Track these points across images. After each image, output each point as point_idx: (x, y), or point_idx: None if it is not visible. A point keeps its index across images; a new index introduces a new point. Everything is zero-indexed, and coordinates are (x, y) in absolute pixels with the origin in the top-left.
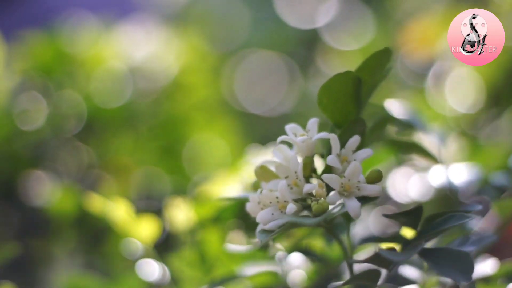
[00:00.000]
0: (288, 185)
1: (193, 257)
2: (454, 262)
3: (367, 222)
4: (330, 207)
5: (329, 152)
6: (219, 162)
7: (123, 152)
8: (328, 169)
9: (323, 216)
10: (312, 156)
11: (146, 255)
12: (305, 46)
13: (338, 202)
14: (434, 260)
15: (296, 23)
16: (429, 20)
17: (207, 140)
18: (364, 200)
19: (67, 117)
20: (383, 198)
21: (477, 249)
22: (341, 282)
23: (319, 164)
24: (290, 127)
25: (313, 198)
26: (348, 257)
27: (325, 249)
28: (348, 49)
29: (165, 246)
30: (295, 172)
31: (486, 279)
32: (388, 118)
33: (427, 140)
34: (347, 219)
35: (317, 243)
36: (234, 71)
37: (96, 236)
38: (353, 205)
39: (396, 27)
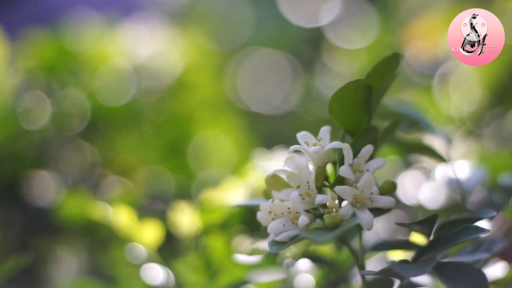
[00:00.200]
0: (300, 195)
1: (198, 262)
2: (468, 280)
3: (377, 227)
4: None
5: (342, 161)
6: (223, 160)
7: (127, 150)
8: (340, 179)
9: (336, 232)
10: (325, 165)
11: (150, 259)
12: (309, 45)
13: (350, 214)
14: (448, 276)
15: (299, 21)
16: (433, 19)
17: (212, 138)
18: (377, 211)
19: (71, 116)
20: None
21: (490, 254)
22: None
23: (331, 171)
24: (301, 135)
25: (325, 210)
26: (359, 264)
27: (333, 254)
28: (352, 48)
29: (169, 250)
30: (307, 182)
31: (495, 283)
32: (398, 122)
33: (434, 140)
34: (359, 226)
35: (325, 248)
36: (238, 70)
37: (101, 239)
38: (365, 217)
39: (400, 25)
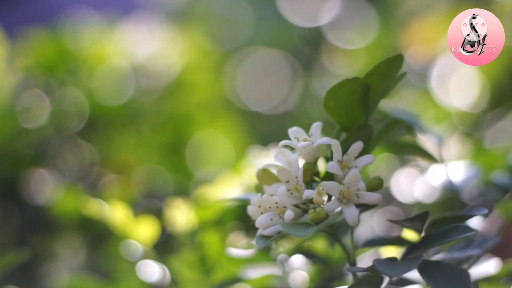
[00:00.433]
0: (288, 190)
1: (193, 258)
2: (452, 280)
3: (371, 223)
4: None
5: (332, 157)
6: (222, 160)
7: (125, 150)
8: (329, 175)
9: (317, 226)
10: (315, 161)
11: (146, 256)
12: (308, 45)
13: (337, 209)
14: (432, 275)
15: (299, 21)
16: (432, 20)
17: (210, 138)
18: (364, 207)
19: (69, 115)
20: (387, 199)
21: (481, 251)
22: (344, 287)
23: (323, 166)
24: (292, 131)
25: (311, 205)
26: (351, 260)
27: (327, 250)
28: (351, 48)
29: (165, 247)
30: (296, 177)
31: (488, 279)
32: (395, 123)
33: (427, 141)
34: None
35: (319, 245)
36: (237, 70)
37: (98, 237)
38: (351, 213)
39: (399, 26)
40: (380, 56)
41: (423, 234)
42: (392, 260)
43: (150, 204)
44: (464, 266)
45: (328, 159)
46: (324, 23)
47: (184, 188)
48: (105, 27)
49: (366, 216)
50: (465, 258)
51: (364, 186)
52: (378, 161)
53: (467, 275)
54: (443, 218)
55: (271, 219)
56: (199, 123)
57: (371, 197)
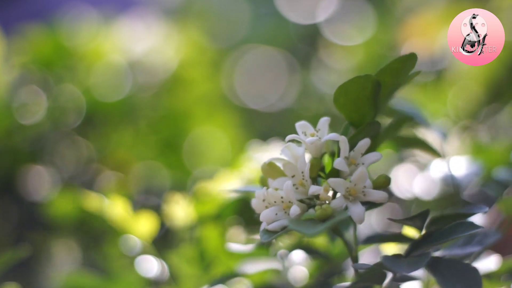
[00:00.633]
0: (294, 185)
1: (192, 253)
2: (462, 278)
3: (370, 220)
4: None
5: (339, 153)
6: (219, 156)
7: (122, 146)
8: (335, 171)
9: (325, 224)
10: (321, 156)
11: (144, 251)
12: (306, 41)
13: (343, 206)
14: (441, 274)
15: (296, 18)
16: (430, 15)
17: (207, 134)
18: (370, 205)
19: (66, 111)
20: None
21: (482, 248)
22: (346, 284)
23: (328, 161)
24: (300, 125)
25: (317, 202)
26: (353, 256)
27: (327, 246)
28: (348, 44)
29: (164, 242)
30: (302, 172)
31: (489, 276)
32: (403, 120)
33: (429, 135)
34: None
35: (320, 240)
36: (234, 67)
37: (95, 233)
38: (357, 210)
39: (396, 22)
40: (378, 52)
41: (423, 231)
42: (399, 256)
43: (147, 200)
44: None
45: (334, 154)
46: (322, 20)
47: (182, 184)
48: (102, 23)
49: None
50: (466, 255)
51: (371, 183)
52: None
53: (476, 272)
54: (444, 215)
55: (276, 214)
56: (196, 119)
57: (378, 195)
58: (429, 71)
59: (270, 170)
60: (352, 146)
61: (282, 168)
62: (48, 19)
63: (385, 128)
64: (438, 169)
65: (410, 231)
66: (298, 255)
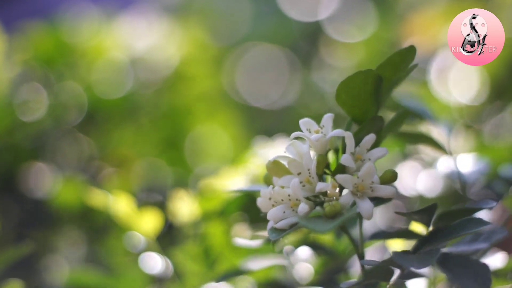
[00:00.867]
0: (300, 182)
1: (196, 250)
2: (472, 274)
3: (375, 216)
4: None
5: (344, 149)
6: (221, 154)
7: (124, 143)
8: (341, 167)
9: (336, 221)
10: (326, 153)
11: (148, 248)
12: (307, 39)
13: (350, 202)
14: (451, 270)
15: (298, 16)
16: (431, 13)
17: (209, 132)
18: (377, 201)
19: (68, 108)
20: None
21: (488, 245)
22: (353, 281)
23: (333, 158)
24: (304, 122)
25: (326, 198)
26: (359, 253)
27: (332, 242)
28: (350, 42)
29: (168, 239)
30: (308, 170)
31: (495, 273)
32: (406, 113)
33: (434, 130)
34: (360, 215)
35: (325, 237)
36: (236, 64)
37: (99, 229)
38: (366, 206)
39: (398, 19)
40: (379, 50)
41: (430, 227)
42: (408, 253)
43: (149, 198)
44: None
45: (338, 151)
46: (323, 18)
47: (183, 182)
48: (104, 20)
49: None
50: (473, 251)
51: (378, 179)
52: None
53: (486, 268)
54: (451, 211)
55: (284, 212)
56: (198, 116)
57: (386, 190)
58: (430, 69)
59: (275, 168)
60: (356, 142)
61: (287, 166)
62: (49, 17)
63: (388, 122)
64: (444, 165)
65: (417, 228)
66: (304, 252)
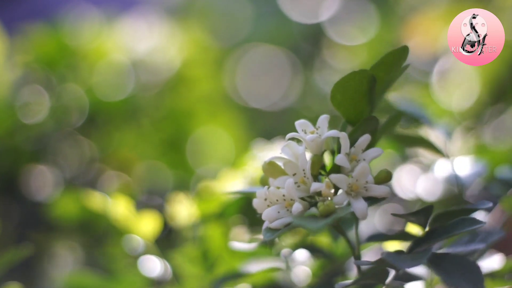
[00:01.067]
0: (296, 183)
1: (195, 253)
2: (463, 273)
3: (373, 219)
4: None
5: (340, 150)
6: (222, 155)
7: (125, 145)
8: (336, 167)
9: (328, 219)
10: (322, 154)
11: (147, 251)
12: (308, 41)
13: (345, 202)
14: (443, 269)
15: (299, 17)
16: (433, 15)
17: (211, 134)
18: (372, 200)
19: (69, 111)
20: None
21: (485, 246)
22: (349, 282)
23: (329, 159)
24: (299, 123)
25: (320, 198)
26: (355, 255)
27: (330, 245)
28: (351, 44)
29: (167, 242)
30: (303, 170)
31: (492, 275)
32: (400, 114)
33: (433, 134)
34: (355, 216)
35: (323, 239)
36: (237, 66)
37: (98, 233)
38: (359, 206)
39: (399, 21)
40: (381, 52)
41: (427, 228)
42: (400, 253)
43: (150, 200)
44: None
45: (334, 152)
46: (324, 19)
47: (185, 184)
48: (105, 22)
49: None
50: (469, 252)
51: (373, 179)
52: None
53: (477, 267)
54: (447, 212)
55: (278, 212)
56: (199, 118)
57: (380, 190)
58: (432, 71)
59: (271, 169)
60: (351, 142)
61: (283, 167)
62: (50, 19)
63: (383, 123)
64: (442, 169)
65: (414, 229)
66: (301, 255)
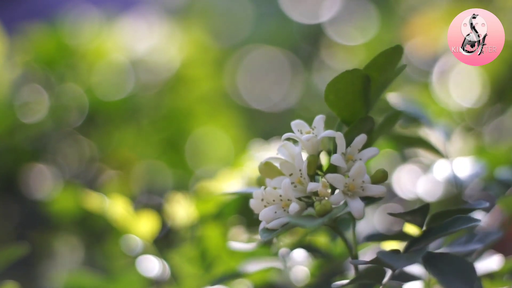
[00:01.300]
0: (292, 183)
1: (193, 253)
2: (457, 272)
3: (372, 219)
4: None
5: (335, 150)
6: (221, 156)
7: (125, 145)
8: (333, 168)
9: (324, 218)
10: (318, 154)
11: (146, 251)
12: (309, 41)
13: (341, 202)
14: (437, 268)
15: (299, 18)
16: (433, 15)
17: (210, 134)
18: (368, 200)
19: (68, 110)
20: (389, 195)
21: (483, 246)
22: (345, 281)
23: (325, 159)
24: (295, 123)
25: (316, 198)
26: (353, 255)
27: (328, 245)
28: (351, 44)
29: (165, 242)
30: (300, 170)
31: (491, 275)
32: (397, 114)
33: (432, 134)
34: (352, 216)
35: (321, 239)
36: (237, 66)
37: (96, 234)
38: (356, 205)
39: (399, 21)
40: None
41: (424, 228)
42: (396, 252)
43: (149, 200)
44: None
45: (330, 152)
46: (325, 20)
47: (184, 184)
48: (104, 22)
49: (367, 212)
50: (467, 252)
51: (369, 178)
52: (379, 157)
53: (472, 267)
54: (444, 211)
55: (275, 212)
56: (199, 118)
57: (376, 189)
58: (432, 71)
59: (268, 169)
60: (347, 142)
61: (279, 167)
62: (50, 18)
63: (379, 123)
64: (441, 169)
65: (411, 229)
66: (300, 254)
